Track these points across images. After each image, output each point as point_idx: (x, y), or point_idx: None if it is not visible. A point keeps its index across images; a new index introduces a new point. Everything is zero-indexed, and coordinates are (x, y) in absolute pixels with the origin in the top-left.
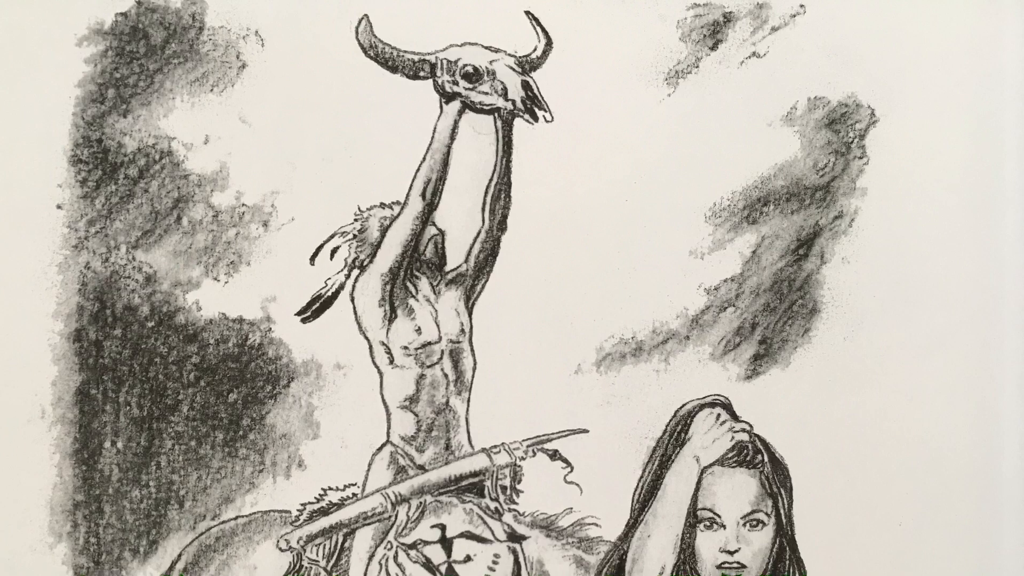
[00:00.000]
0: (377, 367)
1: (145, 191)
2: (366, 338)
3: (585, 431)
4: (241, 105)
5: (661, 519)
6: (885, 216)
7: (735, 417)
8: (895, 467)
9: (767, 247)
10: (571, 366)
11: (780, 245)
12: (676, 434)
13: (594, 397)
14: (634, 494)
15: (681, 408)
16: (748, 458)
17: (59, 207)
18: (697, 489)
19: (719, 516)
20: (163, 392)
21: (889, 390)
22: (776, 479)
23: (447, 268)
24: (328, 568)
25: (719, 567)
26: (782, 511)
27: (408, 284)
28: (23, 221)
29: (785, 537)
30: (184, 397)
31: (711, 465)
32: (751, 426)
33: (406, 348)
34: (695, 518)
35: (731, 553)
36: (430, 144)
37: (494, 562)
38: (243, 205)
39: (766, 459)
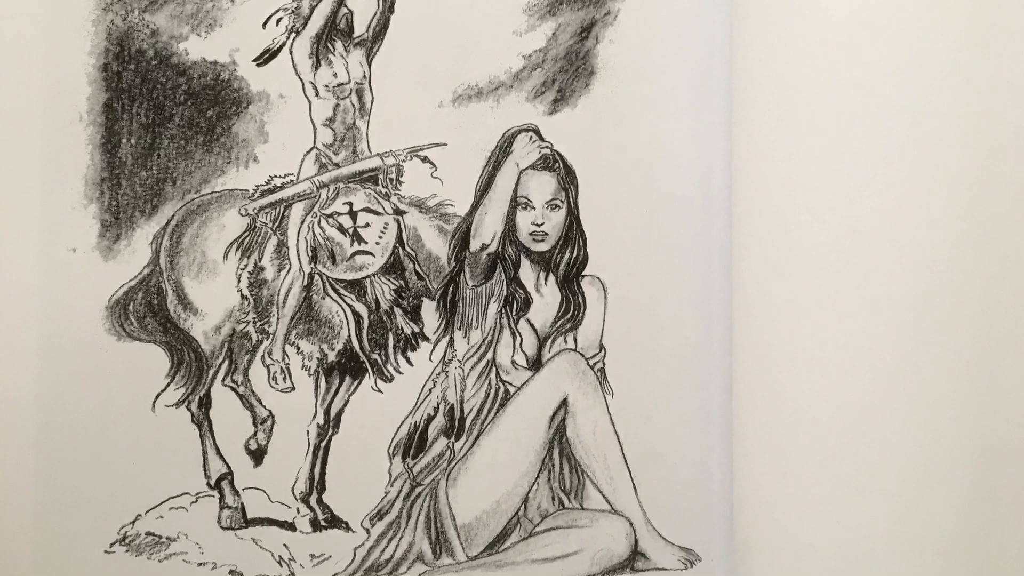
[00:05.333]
0: (307, 98)
1: None
2: (300, 79)
3: (444, 144)
4: None
5: (494, 203)
6: (640, 11)
7: (542, 139)
8: (640, 179)
9: (562, 30)
10: (436, 102)
11: (570, 30)
12: (504, 148)
13: (451, 122)
14: (476, 186)
15: (507, 132)
16: (550, 165)
17: None
18: (517, 184)
19: (531, 201)
20: (162, 108)
21: (635, 127)
22: (567, 179)
23: (355, 35)
24: (273, 228)
25: (531, 234)
26: (571, 199)
27: (328, 44)
28: None
29: (573, 216)
30: (176, 112)
31: (526, 169)
32: (552, 144)
33: (327, 86)
34: (515, 202)
35: (538, 225)
36: None
37: (384, 227)
38: None
39: (562, 166)
